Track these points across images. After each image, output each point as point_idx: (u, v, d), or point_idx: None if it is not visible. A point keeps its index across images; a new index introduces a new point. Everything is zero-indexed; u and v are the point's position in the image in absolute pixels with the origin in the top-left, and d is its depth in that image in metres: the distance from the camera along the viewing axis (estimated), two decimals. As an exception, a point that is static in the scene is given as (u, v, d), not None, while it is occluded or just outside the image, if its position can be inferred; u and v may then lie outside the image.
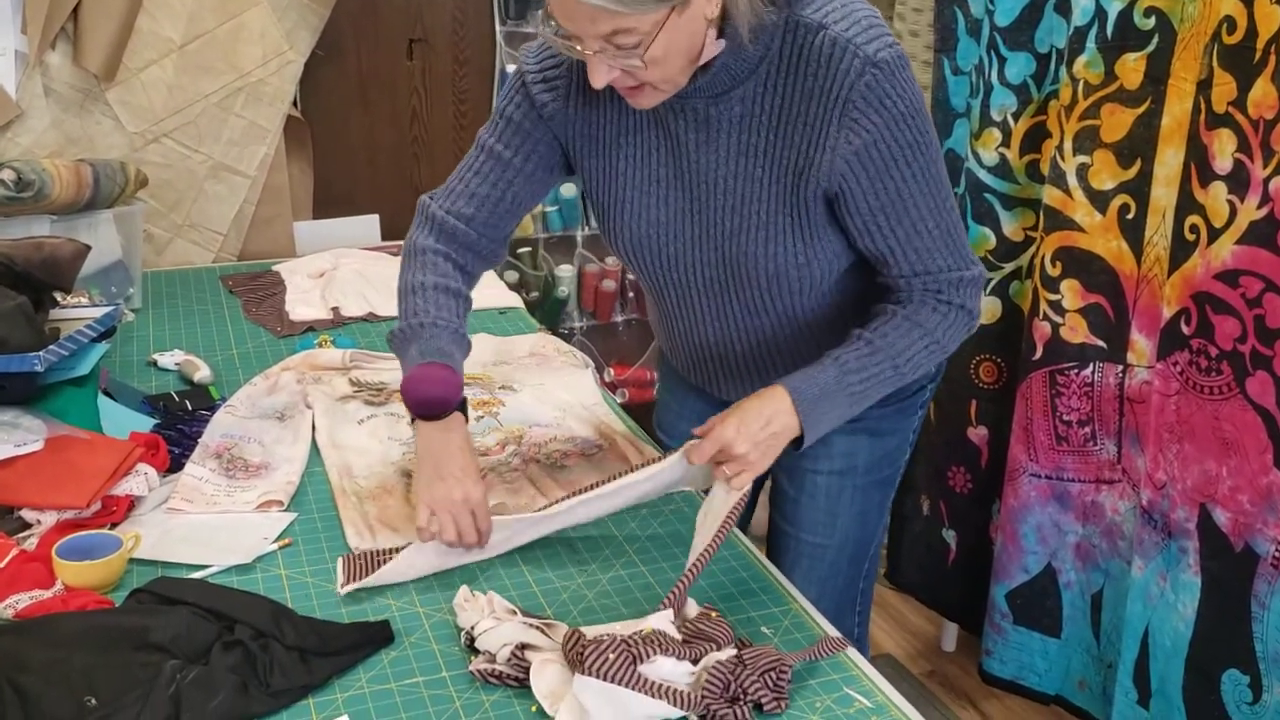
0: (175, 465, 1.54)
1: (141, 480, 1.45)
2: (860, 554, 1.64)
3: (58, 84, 2.33)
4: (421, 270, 1.47)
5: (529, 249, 3.03)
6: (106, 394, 1.67)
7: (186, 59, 2.41)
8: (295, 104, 2.59)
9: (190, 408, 1.73)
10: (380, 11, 2.69)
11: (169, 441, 1.58)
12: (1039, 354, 2.00)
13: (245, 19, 2.44)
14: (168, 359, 1.92)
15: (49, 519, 1.37)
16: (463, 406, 1.42)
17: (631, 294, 3.15)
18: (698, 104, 1.34)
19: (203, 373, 1.86)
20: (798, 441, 1.34)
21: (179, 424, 1.66)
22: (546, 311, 3.08)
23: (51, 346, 1.49)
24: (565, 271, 3.08)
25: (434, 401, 1.38)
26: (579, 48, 1.23)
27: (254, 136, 2.51)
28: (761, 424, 1.30)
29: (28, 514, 1.38)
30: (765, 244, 1.37)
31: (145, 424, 1.64)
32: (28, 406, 1.51)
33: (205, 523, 1.43)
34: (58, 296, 1.71)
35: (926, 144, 1.31)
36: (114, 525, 1.40)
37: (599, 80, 1.25)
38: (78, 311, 1.68)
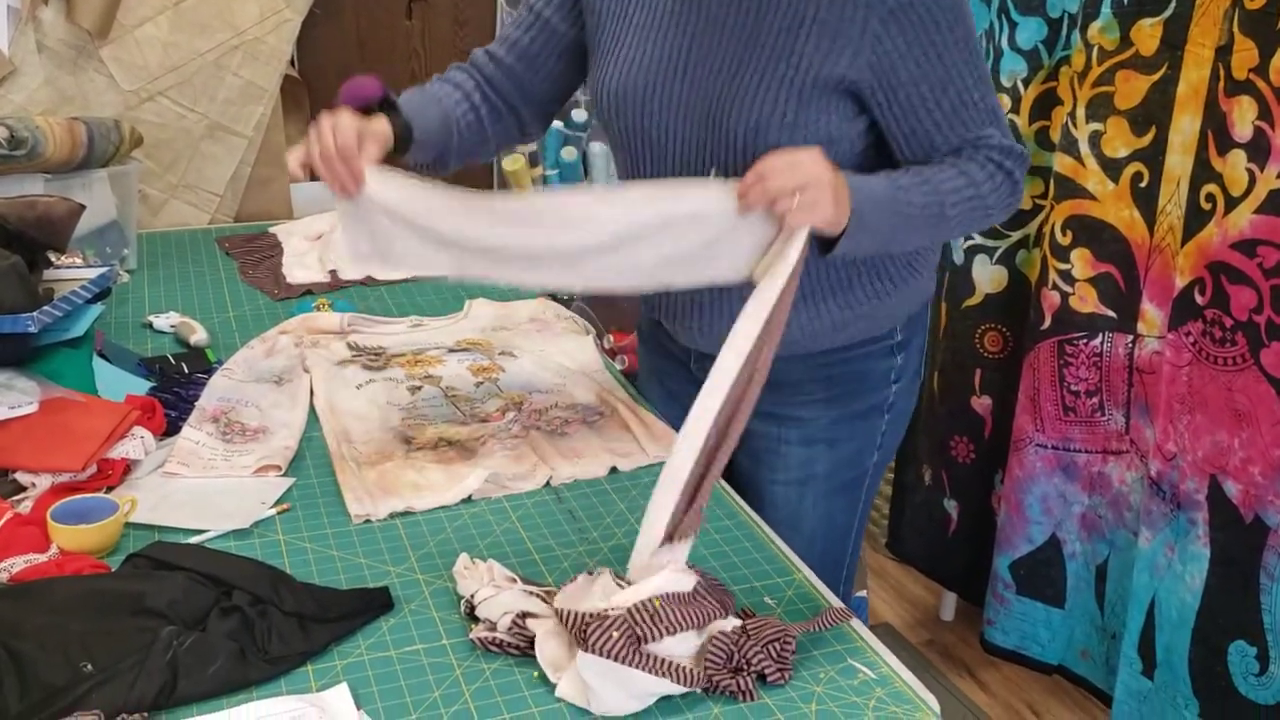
0: (172, 429, 1.52)
1: (138, 444, 1.43)
2: (832, 555, 1.62)
3: (51, 40, 2.29)
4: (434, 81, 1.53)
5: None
6: (102, 356, 1.64)
7: (182, 16, 2.36)
8: (293, 63, 2.54)
9: (186, 371, 1.70)
10: (379, -31, 2.66)
11: (165, 405, 1.55)
12: (1047, 323, 1.98)
13: (242, -25, 2.40)
14: (163, 321, 1.89)
15: (44, 482, 1.35)
16: (386, 105, 1.41)
17: (632, 260, 3.12)
18: None
19: (199, 335, 1.83)
20: (829, 247, 1.26)
21: (175, 387, 1.63)
22: (547, 278, 3.05)
23: (45, 307, 1.46)
24: (566, 238, 3.04)
25: (357, 98, 1.39)
26: None
27: (251, 96, 2.47)
28: (812, 160, 1.21)
29: (22, 477, 1.36)
30: (755, 90, 1.32)
31: (141, 387, 1.61)
32: (22, 368, 1.48)
33: (202, 487, 1.41)
34: (52, 256, 1.68)
35: (966, 14, 1.28)
36: (110, 489, 1.37)
37: None
38: (72, 272, 1.65)
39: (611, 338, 3.18)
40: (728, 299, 1.45)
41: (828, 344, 1.49)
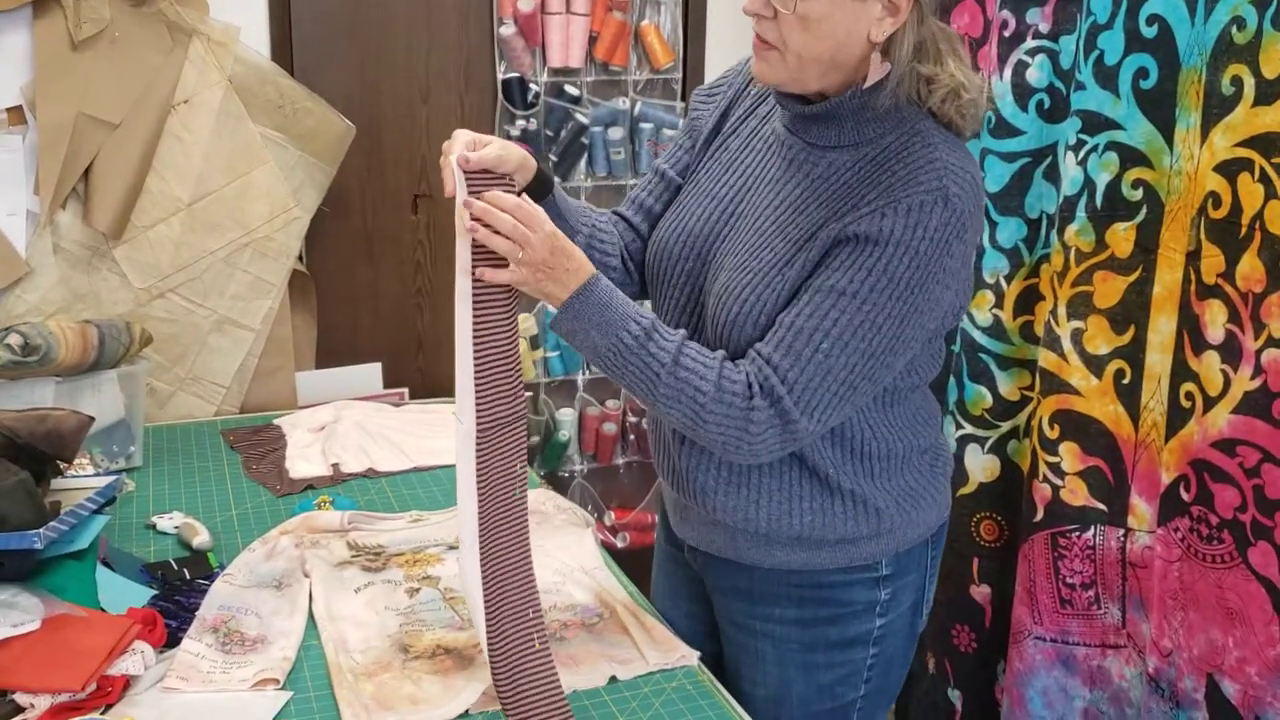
0: (172, 639, 1.53)
1: (138, 659, 1.44)
2: None
3: (67, 242, 2.37)
4: None
5: (530, 394, 3.05)
6: (105, 564, 1.66)
7: (194, 217, 2.46)
8: (300, 258, 2.63)
9: (188, 576, 1.72)
10: (386, 169, 2.76)
11: (166, 614, 1.56)
12: (1040, 515, 2.00)
13: (253, 177, 2.50)
14: (167, 522, 1.91)
15: (43, 702, 1.35)
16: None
17: (632, 436, 3.16)
18: (797, 145, 1.40)
19: (201, 538, 1.85)
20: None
21: (177, 595, 1.65)
22: (548, 455, 3.08)
23: (52, 523, 1.49)
24: (566, 415, 3.09)
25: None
26: None
27: (259, 291, 2.55)
28: (558, 244, 1.30)
29: (21, 697, 1.36)
30: (751, 287, 1.37)
31: (143, 595, 1.62)
32: (25, 583, 1.50)
33: (201, 703, 1.41)
34: (59, 464, 1.72)
35: (904, 295, 1.28)
36: (109, 707, 1.38)
37: (751, 1, 1.31)
38: (79, 481, 1.68)
39: (613, 514, 3.20)
40: (680, 444, 1.49)
41: (801, 565, 1.48)
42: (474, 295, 1.31)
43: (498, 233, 1.28)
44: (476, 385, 1.30)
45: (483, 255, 1.31)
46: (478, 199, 1.30)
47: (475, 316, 1.30)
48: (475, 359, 1.30)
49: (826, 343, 1.29)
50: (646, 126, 2.88)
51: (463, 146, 1.30)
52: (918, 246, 1.26)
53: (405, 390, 2.78)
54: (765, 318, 1.35)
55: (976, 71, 1.38)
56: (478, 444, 1.30)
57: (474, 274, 1.31)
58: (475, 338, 1.30)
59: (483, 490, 1.31)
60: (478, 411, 1.30)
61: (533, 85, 2.80)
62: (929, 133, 1.33)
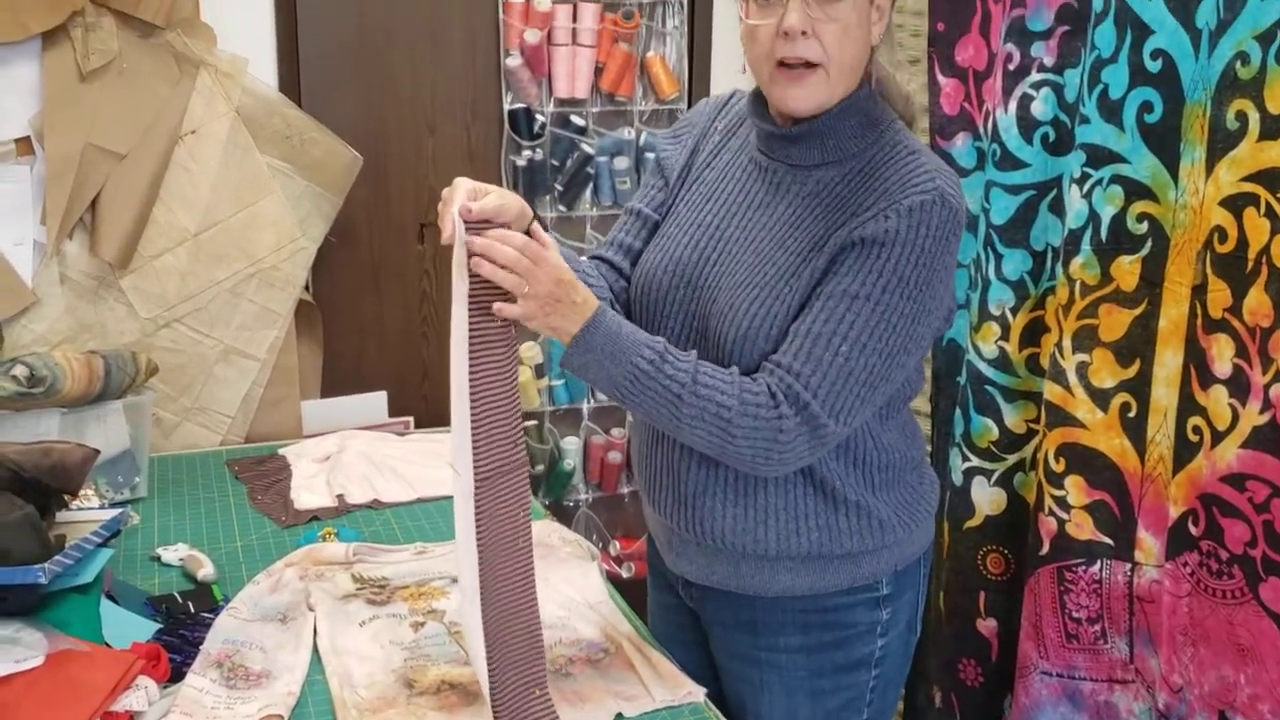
0: (176, 674, 1.52)
1: (141, 695, 1.43)
2: None
3: (73, 272, 2.38)
4: None
5: (535, 422, 3.05)
6: (110, 597, 1.66)
7: (200, 247, 2.46)
8: (307, 287, 2.64)
9: (193, 610, 1.72)
10: (392, 199, 2.77)
11: (170, 649, 1.56)
12: (1046, 549, 1.99)
13: (259, 208, 2.50)
14: (171, 554, 1.91)
15: (45, 739, 1.35)
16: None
17: (636, 466, 3.16)
18: (779, 168, 1.43)
19: (206, 570, 1.84)
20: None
21: (181, 629, 1.64)
22: (553, 484, 3.08)
23: (56, 557, 1.49)
24: (571, 444, 3.09)
25: None
26: None
27: (265, 321, 2.55)
28: (562, 276, 1.31)
29: (24, 734, 1.36)
30: (760, 301, 1.39)
31: (148, 629, 1.62)
32: (29, 618, 1.49)
33: (203, 740, 1.41)
34: (65, 497, 1.72)
35: (914, 294, 1.32)
36: (111, 744, 1.37)
37: (796, 18, 1.33)
38: (84, 514, 1.68)
39: (618, 544, 3.19)
40: (681, 471, 1.50)
41: (805, 590, 1.50)
42: (470, 341, 1.31)
43: (502, 267, 1.29)
44: (474, 433, 1.30)
45: (489, 294, 1.32)
46: (477, 243, 1.31)
47: (472, 363, 1.31)
48: (473, 405, 1.30)
49: (845, 345, 1.32)
50: (651, 156, 2.89)
51: (464, 196, 1.32)
52: (922, 244, 1.31)
53: (410, 419, 2.78)
54: (777, 329, 1.38)
55: (935, 78, 1.47)
56: (476, 493, 1.30)
57: (474, 322, 1.31)
58: (472, 384, 1.30)
59: (483, 539, 1.31)
60: (475, 460, 1.30)
61: (539, 116, 2.81)
62: (908, 140, 1.40)
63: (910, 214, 1.31)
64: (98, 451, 1.66)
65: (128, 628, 1.59)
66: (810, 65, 1.36)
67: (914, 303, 1.33)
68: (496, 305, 1.30)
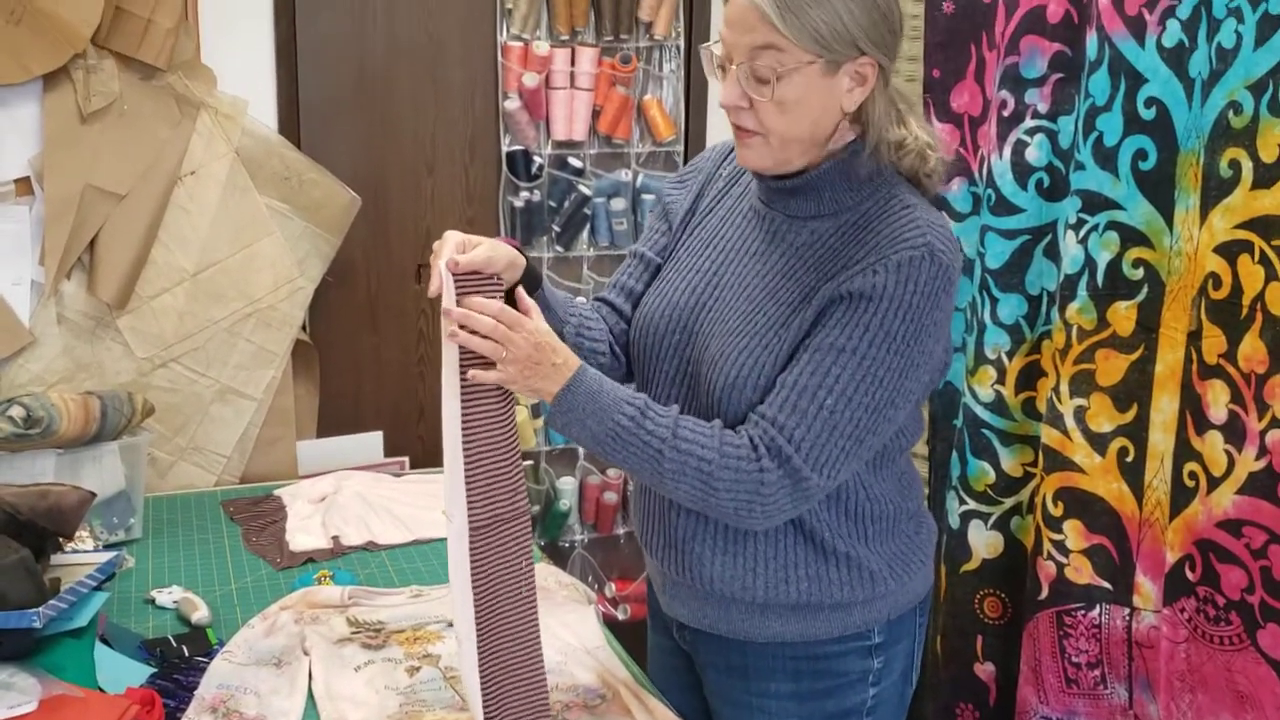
0: (171, 719, 1.51)
1: (135, 742, 1.42)
2: None
3: (70, 312, 2.38)
4: None
5: (530, 462, 3.04)
6: (104, 640, 1.65)
7: (198, 287, 2.47)
8: (304, 328, 2.64)
9: (187, 654, 1.70)
10: (391, 239, 2.78)
11: (165, 693, 1.55)
12: (1045, 593, 1.99)
13: (258, 248, 2.51)
14: (166, 597, 1.90)
15: (38, 787, 1.34)
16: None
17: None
18: (777, 218, 1.44)
19: (200, 613, 1.83)
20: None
21: (175, 674, 1.63)
22: (548, 525, 3.07)
23: (51, 601, 1.49)
24: (567, 484, 3.08)
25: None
26: (725, 66, 1.35)
27: (262, 361, 2.55)
28: (541, 340, 1.32)
29: (15, 782, 1.35)
30: (748, 351, 1.39)
31: (142, 673, 1.61)
32: (23, 663, 1.49)
33: (197, 788, 1.40)
34: (60, 540, 1.71)
35: (901, 349, 1.32)
36: (103, 792, 1.36)
37: (728, 94, 1.34)
38: (79, 557, 1.67)
39: (614, 586, 3.17)
40: (670, 515, 1.50)
41: (795, 636, 1.49)
42: (463, 391, 1.32)
43: (478, 334, 1.31)
44: (469, 483, 1.31)
45: (471, 357, 1.34)
46: (462, 301, 1.33)
47: (464, 413, 1.31)
48: (467, 455, 1.31)
49: (830, 399, 1.32)
50: (649, 198, 2.91)
51: (452, 249, 1.33)
52: (909, 300, 1.31)
53: (406, 459, 2.78)
54: (765, 379, 1.38)
55: (930, 124, 1.46)
56: (472, 542, 1.31)
57: (464, 375, 1.33)
58: (466, 434, 1.31)
59: (480, 587, 1.32)
60: (471, 509, 1.31)
61: (536, 157, 2.83)
62: (904, 195, 1.39)
63: (899, 269, 1.31)
64: (94, 494, 1.66)
65: (122, 672, 1.59)
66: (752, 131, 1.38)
67: (901, 357, 1.32)
68: (472, 372, 1.33)
